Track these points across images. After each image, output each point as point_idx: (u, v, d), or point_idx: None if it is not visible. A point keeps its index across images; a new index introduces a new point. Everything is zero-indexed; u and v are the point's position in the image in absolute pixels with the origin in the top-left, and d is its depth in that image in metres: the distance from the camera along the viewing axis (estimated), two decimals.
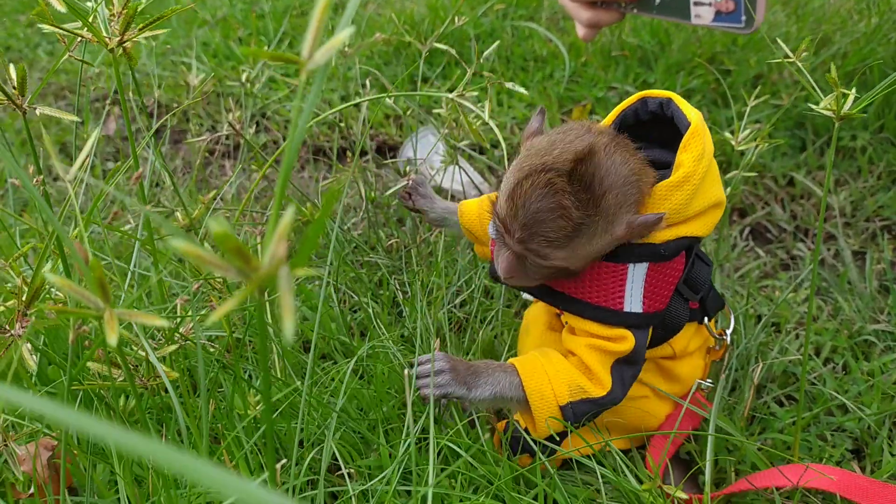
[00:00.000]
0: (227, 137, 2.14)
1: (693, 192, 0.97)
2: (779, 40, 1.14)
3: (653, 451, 1.15)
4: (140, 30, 0.88)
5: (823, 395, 1.31)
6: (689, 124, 0.98)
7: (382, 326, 1.32)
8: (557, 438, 1.07)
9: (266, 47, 2.45)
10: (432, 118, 1.99)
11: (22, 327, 0.71)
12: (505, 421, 1.15)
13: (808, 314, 1.07)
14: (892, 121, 1.90)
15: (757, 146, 1.28)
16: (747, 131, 1.30)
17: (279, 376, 1.22)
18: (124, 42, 0.87)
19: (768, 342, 1.43)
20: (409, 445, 0.97)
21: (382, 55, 2.43)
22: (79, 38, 0.92)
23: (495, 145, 2.10)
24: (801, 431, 1.20)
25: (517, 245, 0.96)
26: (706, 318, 1.15)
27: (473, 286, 1.48)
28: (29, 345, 0.73)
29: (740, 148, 1.28)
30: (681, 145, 0.98)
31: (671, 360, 1.16)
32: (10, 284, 0.96)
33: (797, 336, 1.46)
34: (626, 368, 1.05)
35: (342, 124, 1.91)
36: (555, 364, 1.04)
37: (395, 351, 1.18)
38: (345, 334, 1.39)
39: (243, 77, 1.78)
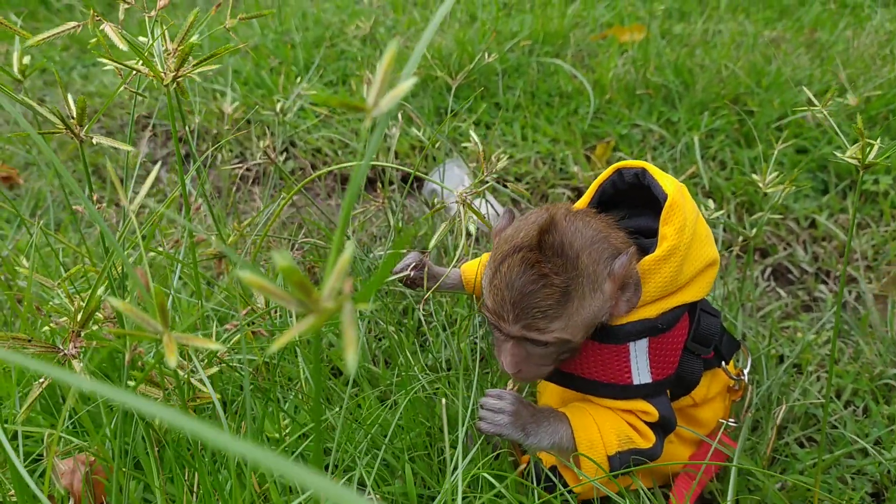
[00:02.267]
0: (259, 164, 2.19)
1: (681, 262, 0.99)
2: (804, 87, 1.17)
3: (677, 490, 1.16)
4: (194, 66, 0.92)
5: (844, 438, 1.32)
6: (665, 196, 1.00)
7: (409, 355, 1.34)
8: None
9: (297, 77, 2.51)
10: (457, 151, 2.03)
11: (76, 347, 0.74)
12: (528, 455, 1.17)
13: (830, 357, 1.08)
14: None
15: (784, 189, 1.31)
16: (774, 174, 1.32)
17: (306, 400, 1.25)
18: (179, 77, 0.92)
19: (790, 383, 1.44)
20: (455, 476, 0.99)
21: None
22: (134, 72, 0.96)
23: (520, 178, 2.13)
24: (821, 474, 1.20)
25: (515, 327, 0.97)
26: (723, 363, 1.16)
27: None
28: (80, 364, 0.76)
29: (767, 191, 1.30)
30: (661, 218, 1.00)
31: (693, 408, 1.17)
32: (53, 302, 0.99)
33: (818, 378, 1.47)
34: (661, 431, 1.07)
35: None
36: (602, 414, 1.05)
37: (423, 382, 1.20)
38: (369, 362, 1.41)
39: (277, 107, 1.83)
